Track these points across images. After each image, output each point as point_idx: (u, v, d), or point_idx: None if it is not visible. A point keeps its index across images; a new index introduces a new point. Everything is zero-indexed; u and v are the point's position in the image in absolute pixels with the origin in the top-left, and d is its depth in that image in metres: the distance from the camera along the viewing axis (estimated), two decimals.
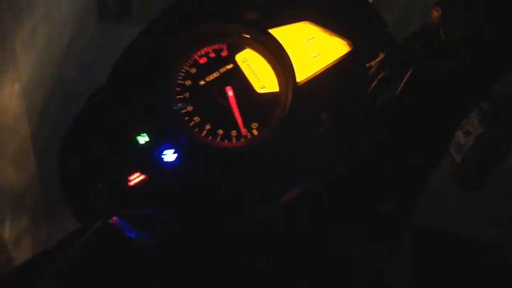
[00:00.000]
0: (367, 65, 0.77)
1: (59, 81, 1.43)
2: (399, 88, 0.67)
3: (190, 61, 0.79)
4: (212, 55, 0.80)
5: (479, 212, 1.11)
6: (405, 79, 0.67)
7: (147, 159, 0.76)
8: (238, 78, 0.80)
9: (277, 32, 0.81)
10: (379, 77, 0.73)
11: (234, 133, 0.78)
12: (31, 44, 1.30)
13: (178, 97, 0.78)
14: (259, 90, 0.80)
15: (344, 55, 0.83)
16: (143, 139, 0.76)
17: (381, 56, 0.75)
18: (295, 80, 0.79)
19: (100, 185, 0.74)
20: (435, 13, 0.67)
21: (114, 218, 0.65)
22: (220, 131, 0.78)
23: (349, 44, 0.83)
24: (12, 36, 1.18)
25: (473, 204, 1.11)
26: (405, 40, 0.74)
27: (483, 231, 1.07)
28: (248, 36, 0.80)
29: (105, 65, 1.47)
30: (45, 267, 0.59)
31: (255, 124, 0.79)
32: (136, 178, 0.75)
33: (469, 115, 0.74)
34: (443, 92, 0.68)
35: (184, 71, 0.79)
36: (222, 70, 0.79)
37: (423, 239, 0.95)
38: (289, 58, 0.79)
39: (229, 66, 0.80)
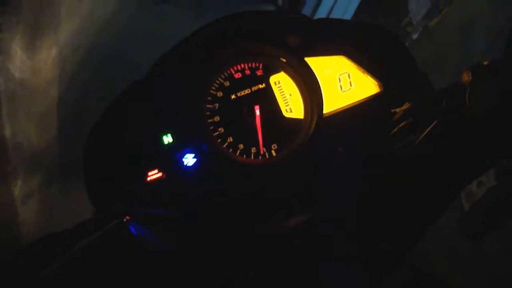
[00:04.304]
0: (392, 110, 0.79)
1: (95, 51, 1.46)
2: (421, 138, 0.69)
3: (226, 73, 0.82)
4: (248, 72, 0.83)
5: (476, 264, 1.13)
6: (428, 130, 0.69)
7: (168, 159, 0.79)
8: (267, 99, 0.83)
9: (312, 62, 0.83)
10: (401, 125, 0.75)
11: (253, 150, 0.81)
12: (75, 11, 1.33)
13: (208, 106, 0.81)
14: (285, 114, 0.83)
15: (374, 95, 0.86)
16: (167, 139, 0.80)
17: (406, 105, 0.77)
18: (322, 111, 0.82)
19: (122, 175, 0.77)
20: (465, 77, 0.68)
21: (128, 218, 0.68)
22: (241, 146, 0.81)
23: (379, 86, 0.86)
24: (58, 2, 1.21)
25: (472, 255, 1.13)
26: (432, 94, 0.76)
27: (475, 283, 1.09)
28: (285, 61, 0.83)
29: (141, 43, 1.50)
30: (56, 253, 0.61)
31: (275, 145, 0.82)
32: (154, 175, 0.78)
33: (486, 171, 0.76)
34: (462, 148, 0.69)
35: (218, 82, 0.82)
36: (254, 88, 0.82)
37: (412, 280, 0.98)
38: (320, 89, 0.82)
39: (262, 86, 0.83)
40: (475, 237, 1.13)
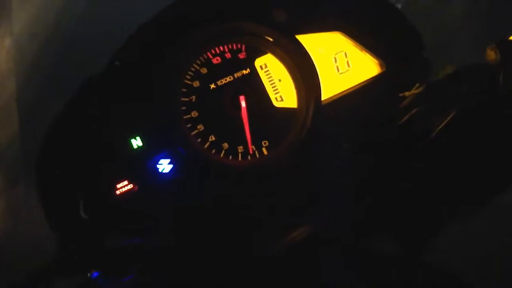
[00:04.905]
0: (400, 95, 0.67)
1: (54, 38, 1.38)
2: (437, 130, 0.60)
3: (202, 59, 0.70)
4: (228, 55, 0.71)
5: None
6: (446, 121, 0.60)
7: (139, 166, 0.67)
8: (253, 86, 0.70)
9: (303, 40, 0.72)
10: (412, 112, 0.64)
11: (240, 149, 0.69)
12: None
13: (182, 99, 0.68)
14: (275, 103, 0.71)
15: (375, 76, 0.75)
16: (136, 142, 0.67)
17: (417, 88, 0.66)
18: (320, 98, 0.70)
19: (83, 193, 0.65)
20: (492, 55, 0.59)
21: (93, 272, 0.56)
22: (225, 145, 0.69)
23: (381, 65, 0.75)
24: None
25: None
26: (448, 77, 0.65)
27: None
28: (271, 40, 0.71)
29: (105, 27, 1.41)
30: None
31: (265, 142, 0.70)
32: (124, 187, 0.66)
33: None
34: (488, 143, 0.61)
35: (193, 69, 0.69)
36: (237, 74, 0.70)
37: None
38: (316, 71, 0.70)
39: (246, 71, 0.70)
40: None
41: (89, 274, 0.60)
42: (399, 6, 1.80)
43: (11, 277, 0.98)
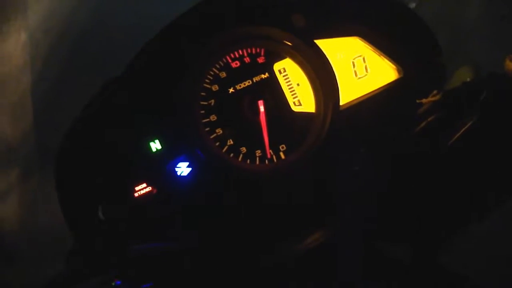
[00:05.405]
0: (418, 101, 0.67)
1: (69, 32, 1.36)
2: (457, 136, 0.59)
3: (221, 62, 0.70)
4: (247, 59, 0.71)
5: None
6: (464, 129, 0.59)
7: (158, 169, 0.67)
8: (272, 91, 0.71)
9: (322, 45, 0.72)
10: (429, 119, 0.64)
11: (258, 153, 0.69)
12: None
13: (201, 103, 0.69)
14: (294, 107, 0.71)
15: (393, 81, 0.74)
16: (155, 146, 0.68)
17: (435, 95, 0.66)
18: (338, 103, 0.70)
19: (102, 195, 0.65)
20: (510, 65, 0.58)
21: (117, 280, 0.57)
22: (244, 149, 0.69)
23: (399, 70, 0.74)
24: None
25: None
26: (465, 84, 0.65)
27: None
28: (290, 44, 0.71)
29: (120, 20, 1.40)
30: None
31: (283, 146, 0.70)
32: (143, 189, 0.67)
33: None
34: (506, 150, 0.60)
35: (212, 73, 0.70)
36: (256, 78, 0.70)
37: None
38: (334, 76, 0.71)
39: (264, 76, 0.71)
40: None
41: (113, 283, 0.60)
42: (413, 5, 1.79)
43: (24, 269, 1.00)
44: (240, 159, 0.69)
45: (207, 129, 0.68)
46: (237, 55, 0.71)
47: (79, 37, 1.38)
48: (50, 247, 1.05)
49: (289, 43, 0.71)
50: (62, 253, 0.67)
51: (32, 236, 1.17)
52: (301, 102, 0.71)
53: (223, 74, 0.70)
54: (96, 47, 1.31)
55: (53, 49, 1.30)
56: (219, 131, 0.69)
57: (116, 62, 0.72)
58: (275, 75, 0.71)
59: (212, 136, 0.68)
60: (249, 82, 0.70)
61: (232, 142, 0.69)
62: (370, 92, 0.73)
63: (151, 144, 0.68)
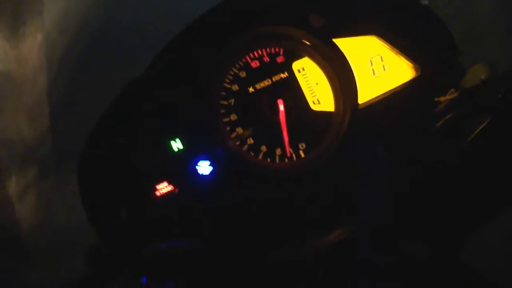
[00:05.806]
0: (435, 99, 0.68)
1: (84, 32, 1.36)
2: (474, 134, 0.59)
3: (241, 62, 0.71)
4: (266, 59, 0.71)
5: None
6: (482, 126, 0.59)
7: (179, 168, 0.68)
8: (291, 90, 0.71)
9: (340, 43, 0.72)
10: (447, 117, 0.65)
11: (278, 151, 0.70)
12: None
13: (222, 102, 0.70)
14: (313, 106, 0.72)
15: (410, 80, 0.74)
16: (176, 145, 0.69)
17: (452, 93, 0.67)
18: (357, 101, 0.71)
19: (124, 195, 0.66)
20: None
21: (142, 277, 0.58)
22: (264, 148, 0.70)
23: (416, 69, 0.75)
24: None
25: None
26: (482, 83, 0.65)
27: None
28: (309, 44, 0.71)
29: (135, 20, 1.41)
30: None
31: (302, 145, 0.71)
32: (164, 188, 0.68)
33: None
34: None
35: (232, 73, 0.70)
36: (275, 78, 0.71)
37: None
38: (353, 74, 0.71)
39: (284, 75, 0.71)
40: None
41: (139, 280, 0.61)
42: (426, 1, 1.78)
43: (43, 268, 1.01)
44: (260, 157, 0.69)
45: (228, 128, 0.69)
46: (256, 55, 0.71)
47: (95, 37, 1.38)
48: (68, 247, 1.06)
49: (307, 43, 0.71)
50: (80, 253, 0.68)
51: (49, 236, 1.17)
52: (320, 101, 0.72)
53: (243, 74, 0.71)
54: (112, 47, 1.32)
55: (68, 50, 1.31)
56: (239, 130, 0.69)
57: (131, 62, 0.73)
58: (294, 74, 0.72)
59: (232, 135, 0.69)
60: (268, 82, 0.71)
61: (252, 141, 0.70)
62: (388, 91, 0.74)
63: (172, 143, 0.69)
